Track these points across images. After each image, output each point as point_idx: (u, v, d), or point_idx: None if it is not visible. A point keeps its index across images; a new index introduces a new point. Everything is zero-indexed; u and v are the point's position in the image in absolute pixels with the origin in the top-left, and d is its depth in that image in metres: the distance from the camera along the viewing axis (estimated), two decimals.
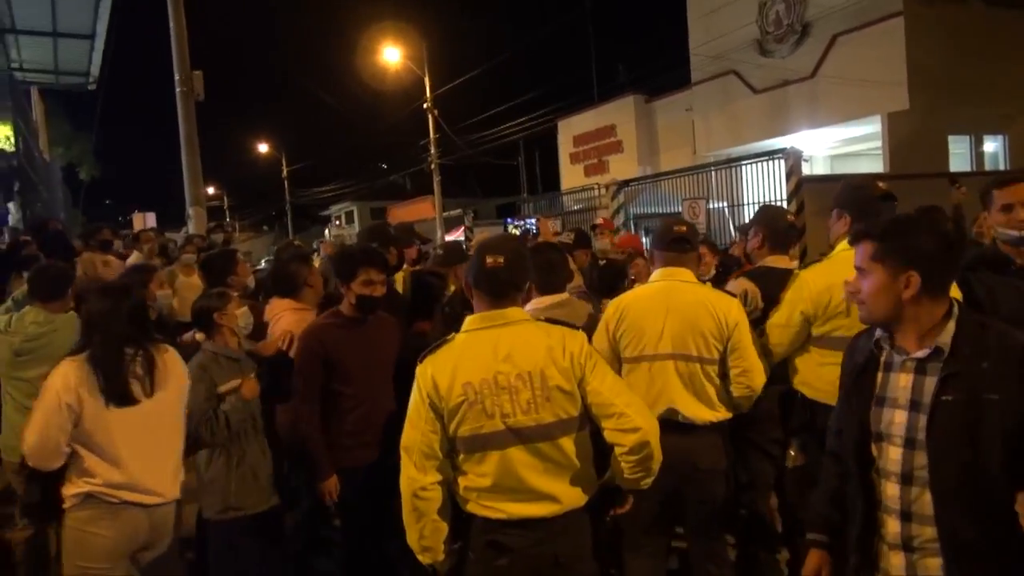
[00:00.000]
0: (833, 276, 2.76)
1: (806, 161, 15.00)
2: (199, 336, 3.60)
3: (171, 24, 9.26)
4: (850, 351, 2.13)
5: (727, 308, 2.96)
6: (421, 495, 2.25)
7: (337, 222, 56.72)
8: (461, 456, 2.27)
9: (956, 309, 1.88)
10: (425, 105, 24.76)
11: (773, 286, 3.11)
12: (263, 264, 13.12)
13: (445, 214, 27.22)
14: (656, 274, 3.15)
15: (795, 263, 3.46)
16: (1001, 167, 18.36)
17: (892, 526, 1.92)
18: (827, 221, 3.11)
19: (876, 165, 17.59)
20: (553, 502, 2.25)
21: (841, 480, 2.08)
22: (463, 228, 23.53)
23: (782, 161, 13.29)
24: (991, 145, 18.64)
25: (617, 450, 2.29)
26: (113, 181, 71.86)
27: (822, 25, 17.17)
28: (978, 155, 18.12)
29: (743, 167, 14.63)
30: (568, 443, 2.26)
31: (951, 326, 1.85)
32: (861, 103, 16.36)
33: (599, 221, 6.88)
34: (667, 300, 3.00)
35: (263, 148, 46.60)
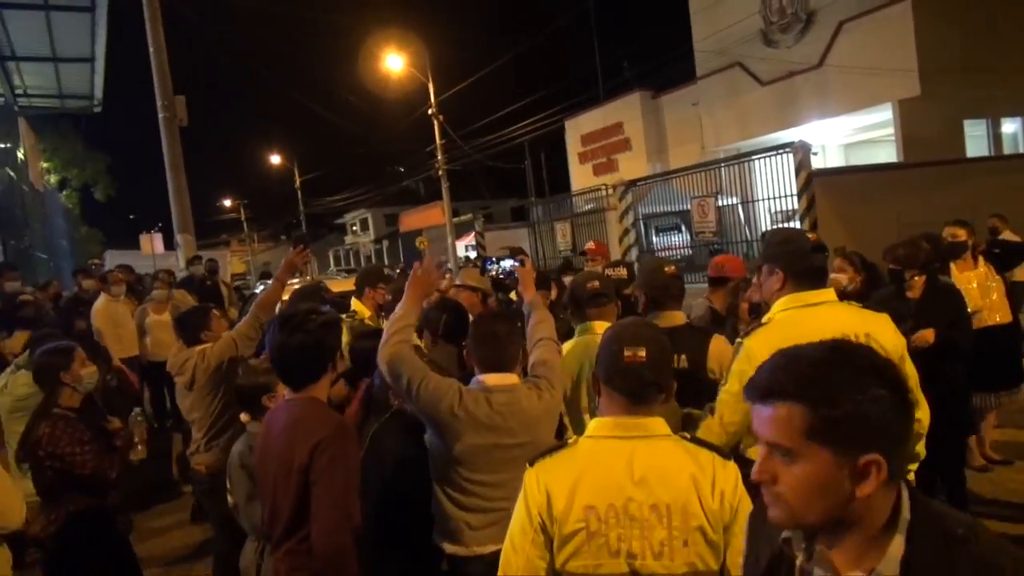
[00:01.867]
0: (778, 342, 2.45)
1: (815, 154, 14.62)
2: (244, 418, 3.28)
3: (151, 50, 9.14)
4: (752, 534, 1.45)
5: None
6: None
7: (354, 229, 56.97)
8: None
9: (905, 507, 1.17)
10: (430, 111, 24.61)
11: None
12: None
13: (456, 219, 27.06)
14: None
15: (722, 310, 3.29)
16: (1021, 149, 17.84)
17: None
18: (757, 277, 2.79)
19: (891, 153, 17.15)
20: None
21: None
22: (474, 233, 23.40)
23: (790, 155, 12.96)
24: (1010, 127, 18.11)
25: None
26: (138, 196, 73.13)
27: (827, 12, 16.76)
28: (996, 138, 17.60)
29: (752, 162, 14.32)
30: None
31: (897, 545, 1.14)
32: (871, 91, 15.92)
33: (590, 246, 6.18)
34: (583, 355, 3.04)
35: (276, 159, 46.74)
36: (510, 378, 2.63)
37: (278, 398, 3.04)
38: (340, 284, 6.91)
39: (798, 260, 2.60)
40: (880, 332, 2.47)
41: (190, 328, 4.24)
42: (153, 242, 15.46)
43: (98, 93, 18.03)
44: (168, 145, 9.42)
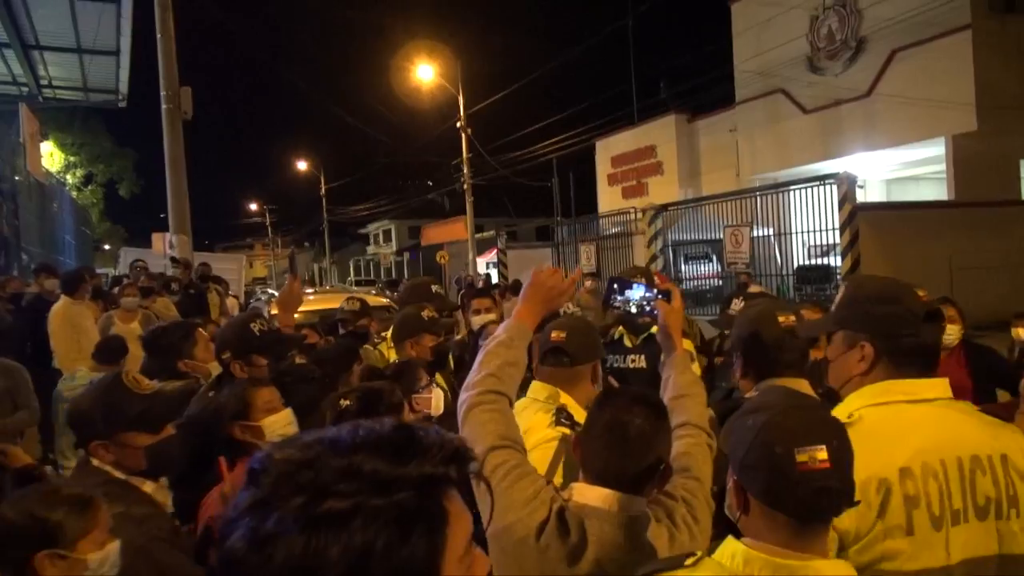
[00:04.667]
0: (875, 460, 1.48)
1: (860, 187, 13.86)
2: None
3: (158, 36, 8.63)
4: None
5: None
6: None
7: (377, 239, 56.73)
8: None
9: None
10: (458, 124, 24.11)
11: None
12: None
13: (478, 235, 26.46)
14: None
15: None
16: None
17: None
18: (830, 348, 1.76)
19: (939, 191, 16.34)
20: None
21: None
22: (495, 250, 22.80)
23: (834, 187, 12.26)
24: None
25: None
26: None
27: (879, 40, 16.05)
28: None
29: (791, 192, 13.64)
30: None
31: None
32: (923, 124, 15.19)
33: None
34: None
35: (303, 165, 46.63)
36: (632, 502, 1.60)
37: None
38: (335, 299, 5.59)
39: (902, 332, 1.61)
40: (1018, 453, 1.56)
41: (162, 352, 3.04)
42: (165, 240, 14.99)
43: (123, 88, 17.74)
44: (170, 140, 8.87)
